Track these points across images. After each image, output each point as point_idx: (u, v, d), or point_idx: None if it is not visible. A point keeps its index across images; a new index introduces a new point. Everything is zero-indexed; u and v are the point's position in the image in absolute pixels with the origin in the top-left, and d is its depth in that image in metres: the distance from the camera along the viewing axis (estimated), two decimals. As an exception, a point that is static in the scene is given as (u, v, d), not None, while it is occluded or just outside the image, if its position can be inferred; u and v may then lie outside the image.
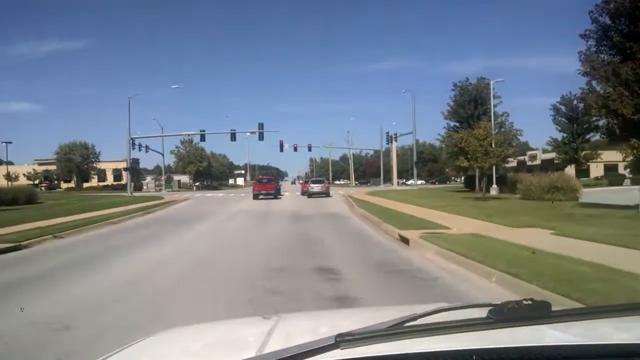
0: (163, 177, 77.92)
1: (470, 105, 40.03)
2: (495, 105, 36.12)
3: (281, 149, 72.96)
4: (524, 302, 1.22)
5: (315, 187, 39.75)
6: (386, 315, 1.39)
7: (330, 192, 41.19)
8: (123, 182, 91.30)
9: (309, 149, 78.26)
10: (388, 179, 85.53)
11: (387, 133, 64.28)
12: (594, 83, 19.09)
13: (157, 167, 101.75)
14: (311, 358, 1.10)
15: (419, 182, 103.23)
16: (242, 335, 1.94)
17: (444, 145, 43.08)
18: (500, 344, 1.23)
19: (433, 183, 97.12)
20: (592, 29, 18.80)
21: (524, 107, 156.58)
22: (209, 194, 54.65)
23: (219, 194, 54.37)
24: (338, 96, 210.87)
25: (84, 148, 75.77)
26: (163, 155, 76.12)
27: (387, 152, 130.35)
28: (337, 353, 1.12)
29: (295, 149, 75.73)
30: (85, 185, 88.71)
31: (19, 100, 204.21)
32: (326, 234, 15.43)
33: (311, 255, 11.02)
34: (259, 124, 50.70)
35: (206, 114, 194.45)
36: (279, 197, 40.97)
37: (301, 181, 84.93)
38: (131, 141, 61.38)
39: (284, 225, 18.54)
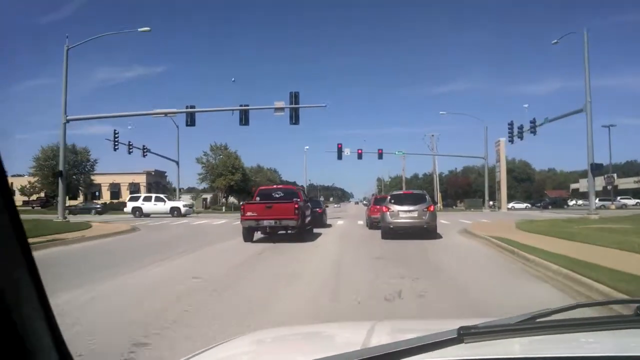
0: (177, 194, 56.49)
1: None
2: None
3: (339, 156, 50.56)
4: None
5: (404, 215, 15.73)
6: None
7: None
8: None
9: (380, 156, 54.57)
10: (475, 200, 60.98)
11: (510, 125, 38.90)
12: None
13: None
14: (432, 352, 0.97)
15: (522, 205, 76.93)
16: (342, 334, 1.95)
17: None
18: None
19: (546, 207, 70.15)
20: None
21: None
22: (202, 220, 32.06)
23: (220, 220, 31.39)
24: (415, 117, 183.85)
25: (71, 153, 55.47)
26: (178, 163, 55.06)
27: (471, 169, 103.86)
28: (461, 348, 0.99)
29: (360, 156, 52.56)
30: (97, 202, 69.84)
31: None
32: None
33: None
34: (291, 93, 27.53)
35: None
36: (310, 236, 17.40)
37: (365, 202, 59.68)
38: (134, 149, 39.75)
39: None
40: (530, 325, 1.06)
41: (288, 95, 27.97)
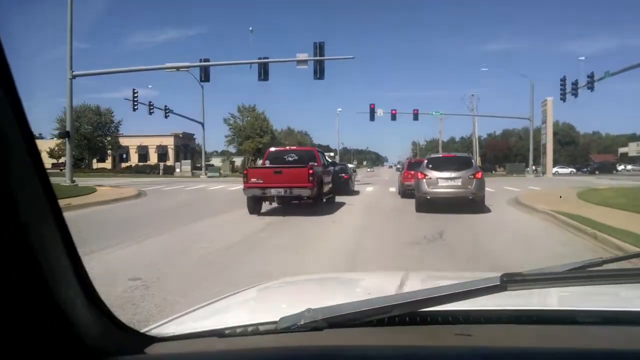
0: (203, 158, 54.61)
1: None
2: None
3: (372, 117, 47.50)
4: None
5: (444, 183, 12.81)
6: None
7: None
8: (169, 162, 70.54)
9: (415, 117, 50.87)
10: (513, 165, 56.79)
11: (562, 80, 34.67)
12: None
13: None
14: (476, 298, 0.94)
15: (567, 170, 72.24)
16: (379, 282, 1.91)
17: None
18: None
19: (592, 172, 65.34)
20: None
21: None
22: (219, 185, 29.69)
23: (238, 186, 28.95)
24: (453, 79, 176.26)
25: (95, 114, 54.01)
26: (203, 125, 53.01)
27: (511, 132, 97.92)
28: (503, 296, 0.95)
29: (394, 117, 49.11)
30: (124, 165, 69.05)
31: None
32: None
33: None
34: (315, 44, 24.41)
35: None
36: (330, 206, 14.68)
37: (399, 166, 55.89)
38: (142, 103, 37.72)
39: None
40: (579, 274, 0.97)
41: (312, 47, 24.91)
